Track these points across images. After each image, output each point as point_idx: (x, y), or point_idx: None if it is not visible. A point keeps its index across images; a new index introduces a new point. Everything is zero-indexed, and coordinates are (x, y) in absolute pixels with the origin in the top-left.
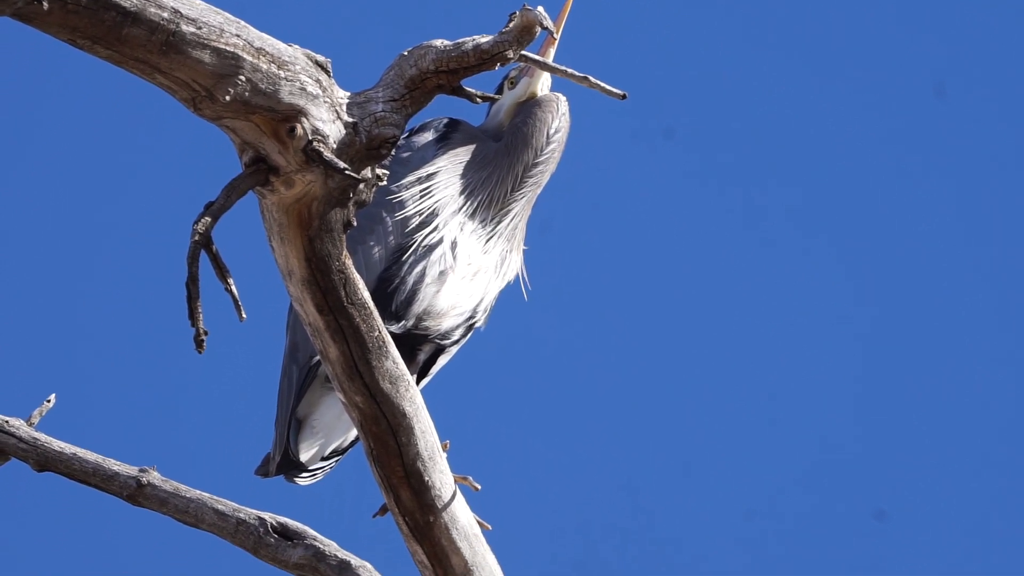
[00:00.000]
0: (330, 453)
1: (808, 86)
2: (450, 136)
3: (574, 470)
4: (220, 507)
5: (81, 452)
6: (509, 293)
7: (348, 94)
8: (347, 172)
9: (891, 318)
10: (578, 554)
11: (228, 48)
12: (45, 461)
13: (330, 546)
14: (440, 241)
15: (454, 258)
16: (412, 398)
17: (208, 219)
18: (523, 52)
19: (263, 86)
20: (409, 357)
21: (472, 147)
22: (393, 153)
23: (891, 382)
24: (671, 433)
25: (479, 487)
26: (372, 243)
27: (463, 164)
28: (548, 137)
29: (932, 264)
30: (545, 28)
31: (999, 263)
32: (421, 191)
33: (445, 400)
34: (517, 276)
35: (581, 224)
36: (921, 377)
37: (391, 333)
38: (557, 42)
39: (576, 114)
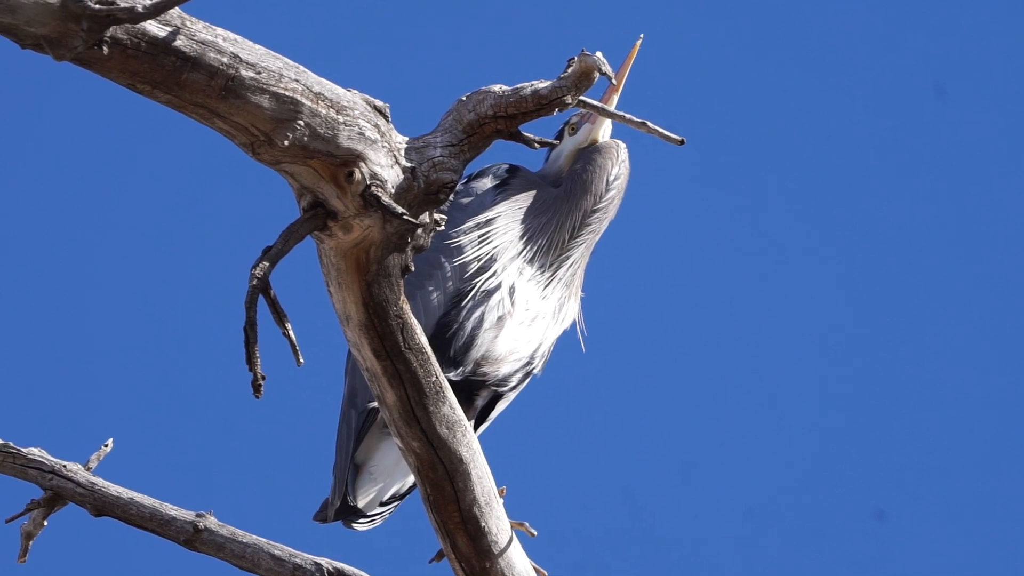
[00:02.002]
0: (388, 499)
1: (808, 86)
2: (509, 182)
3: (573, 471)
4: (277, 552)
5: (138, 497)
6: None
7: (406, 139)
8: (405, 217)
9: (891, 318)
10: (577, 556)
11: (287, 93)
12: (102, 506)
13: None
14: (499, 286)
15: (512, 304)
16: (469, 443)
17: (266, 264)
18: (582, 97)
19: (322, 131)
20: (467, 403)
21: (531, 193)
22: (452, 198)
23: (891, 382)
24: (671, 433)
25: (535, 533)
26: (431, 288)
27: (522, 210)
28: (608, 184)
29: (932, 264)
30: (603, 74)
31: (999, 263)
32: (480, 236)
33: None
34: (574, 323)
35: None
36: (921, 377)
37: (449, 380)
38: (620, 88)
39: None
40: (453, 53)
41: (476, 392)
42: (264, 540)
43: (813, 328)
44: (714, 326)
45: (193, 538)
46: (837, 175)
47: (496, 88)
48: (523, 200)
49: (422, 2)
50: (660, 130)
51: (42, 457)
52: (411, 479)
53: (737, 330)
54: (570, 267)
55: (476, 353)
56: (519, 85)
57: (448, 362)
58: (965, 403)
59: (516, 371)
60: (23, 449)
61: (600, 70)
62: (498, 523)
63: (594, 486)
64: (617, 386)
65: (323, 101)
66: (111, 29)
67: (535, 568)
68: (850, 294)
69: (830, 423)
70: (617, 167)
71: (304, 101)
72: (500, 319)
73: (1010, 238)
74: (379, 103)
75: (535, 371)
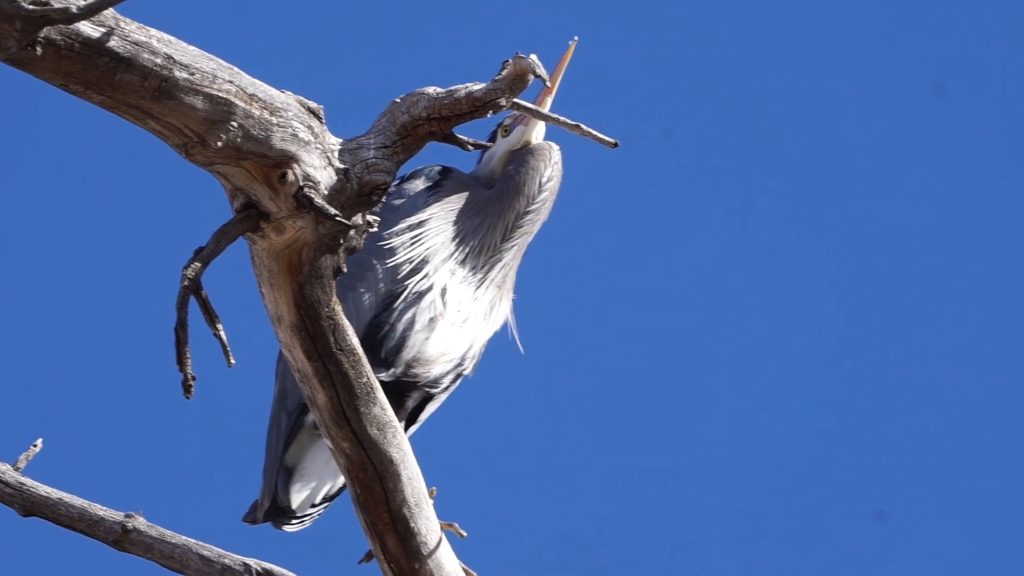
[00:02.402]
0: (318, 500)
1: (808, 86)
2: (442, 183)
3: (570, 472)
4: (206, 553)
5: (67, 497)
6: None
7: (340, 140)
8: (338, 218)
9: (890, 318)
10: (576, 556)
11: (221, 94)
12: (31, 506)
13: None
14: (430, 288)
15: (444, 305)
16: (399, 444)
17: (198, 265)
18: (516, 100)
19: (255, 132)
20: (398, 404)
21: (464, 194)
22: (384, 200)
23: (888, 382)
24: (668, 433)
25: (465, 534)
26: (362, 290)
27: (455, 211)
28: (540, 185)
29: (931, 264)
30: (538, 76)
31: (998, 263)
32: (412, 238)
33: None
34: (505, 324)
35: (578, 224)
36: (919, 377)
37: (380, 381)
38: (555, 91)
39: (574, 113)
40: (453, 53)
41: (407, 393)
42: (193, 541)
43: (806, 330)
44: (705, 328)
45: (122, 539)
46: (833, 176)
47: (430, 90)
48: (455, 202)
49: (422, 2)
50: (594, 132)
51: None
52: (341, 480)
53: (729, 332)
54: (502, 269)
55: (407, 354)
56: (453, 87)
57: (379, 363)
58: (964, 403)
59: (447, 372)
60: None
61: (534, 72)
62: (428, 524)
63: (588, 488)
64: (608, 388)
65: (257, 102)
66: (45, 30)
67: (464, 569)
68: (843, 295)
69: (828, 424)
70: (550, 169)
71: (238, 102)
72: (432, 320)
73: (1009, 238)
74: (313, 104)
75: (466, 372)
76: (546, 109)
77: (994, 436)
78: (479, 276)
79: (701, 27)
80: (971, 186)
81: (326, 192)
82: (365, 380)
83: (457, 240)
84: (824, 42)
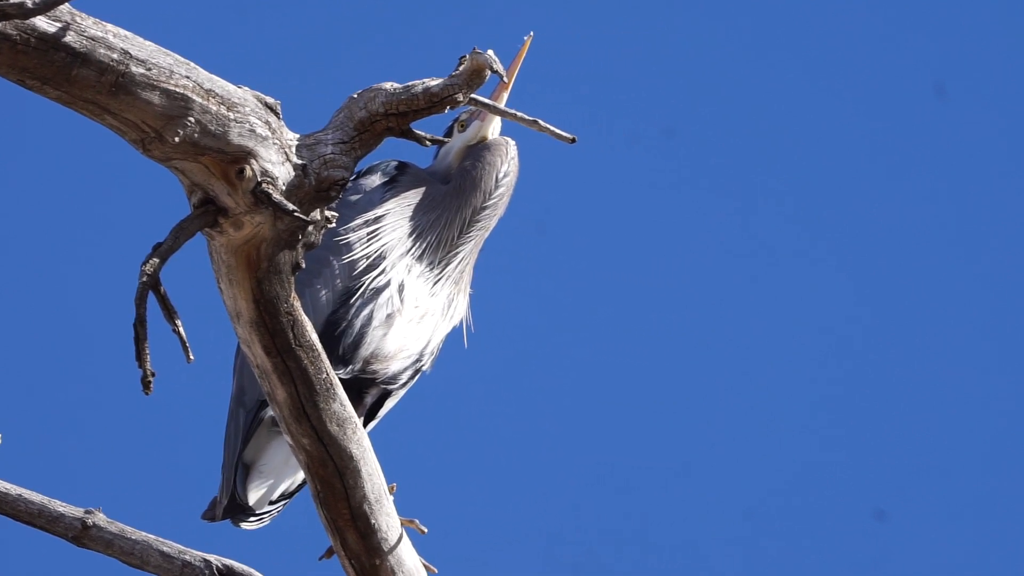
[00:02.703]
0: (277, 497)
1: (808, 86)
2: (398, 179)
3: (571, 472)
4: (166, 549)
5: (26, 493)
6: (510, 304)
7: (297, 136)
8: (296, 214)
9: (890, 318)
10: (576, 556)
11: (178, 90)
12: None
13: None
14: (388, 284)
15: (401, 301)
16: (359, 441)
17: (156, 260)
18: (473, 95)
19: (212, 128)
20: (356, 400)
21: (421, 190)
22: (341, 196)
23: (891, 382)
24: (669, 433)
25: (425, 530)
26: (319, 286)
27: (411, 207)
28: (497, 181)
29: (931, 264)
30: (495, 72)
31: (998, 263)
32: (369, 234)
33: (446, 400)
34: (462, 320)
35: (578, 224)
36: (921, 377)
37: (339, 378)
38: (511, 86)
39: (574, 113)
40: (453, 53)
41: (366, 390)
42: (153, 537)
43: (806, 330)
44: (705, 328)
45: (81, 535)
46: (833, 176)
47: (388, 85)
48: (412, 197)
49: (422, 2)
50: (551, 128)
51: None
52: (300, 477)
53: (729, 332)
54: (459, 264)
55: (365, 351)
56: (411, 83)
57: (337, 360)
58: (964, 403)
59: (405, 368)
60: None
61: (491, 68)
62: (388, 520)
63: (593, 486)
64: (616, 386)
65: (214, 98)
66: (0, 24)
67: (425, 565)
68: (849, 293)
69: (828, 424)
70: (506, 164)
71: (195, 98)
72: (389, 316)
73: (1009, 238)
74: (270, 100)
75: (424, 368)
76: (503, 104)
77: (994, 436)
78: (436, 272)
79: (701, 27)
80: (971, 186)
81: (284, 188)
82: (324, 376)
83: (414, 236)
84: (824, 42)
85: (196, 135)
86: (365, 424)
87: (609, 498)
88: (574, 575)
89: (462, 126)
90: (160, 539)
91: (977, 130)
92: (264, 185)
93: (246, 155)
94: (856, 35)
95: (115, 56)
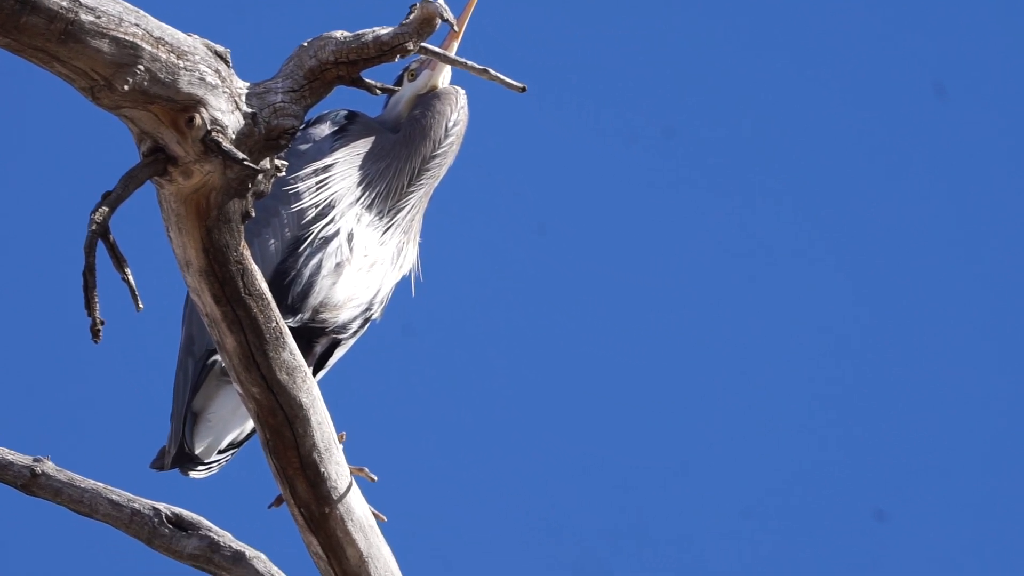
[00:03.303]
0: (226, 446)
1: (807, 86)
2: (348, 128)
3: (570, 470)
4: (115, 497)
5: None
6: (514, 302)
7: (247, 84)
8: (246, 163)
9: (890, 318)
10: (576, 555)
11: (127, 37)
12: None
13: (224, 537)
14: (337, 233)
15: (351, 250)
16: (309, 389)
17: (105, 209)
18: (423, 44)
19: (162, 76)
20: (306, 349)
21: (370, 139)
22: (291, 145)
23: (891, 382)
24: (668, 432)
25: (375, 478)
26: (268, 235)
27: (361, 156)
28: (447, 130)
29: (931, 264)
30: (445, 20)
31: (998, 263)
32: (317, 183)
33: (447, 400)
34: (411, 269)
35: (577, 225)
36: (921, 377)
37: (289, 327)
38: (461, 35)
39: (573, 113)
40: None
41: (315, 339)
42: (102, 485)
43: (805, 330)
44: (705, 328)
45: (30, 483)
46: (833, 176)
47: (338, 34)
48: (362, 146)
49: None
50: (501, 76)
51: None
52: (249, 426)
53: (728, 332)
54: (408, 213)
55: (314, 300)
56: (361, 31)
57: (286, 309)
58: (963, 403)
59: (355, 317)
60: None
61: (442, 16)
62: (338, 469)
63: (593, 484)
64: (616, 385)
65: (163, 46)
66: None
67: (374, 513)
68: (849, 293)
69: (828, 424)
70: (456, 113)
71: (144, 46)
72: (338, 265)
73: (1009, 238)
74: (220, 48)
75: (374, 317)
76: (453, 53)
77: (994, 436)
78: (386, 221)
79: (701, 27)
80: (970, 186)
81: (234, 136)
82: (274, 325)
83: (363, 185)
84: (824, 42)
85: (145, 83)
86: (315, 373)
87: (608, 496)
88: (574, 574)
89: (412, 75)
90: (109, 487)
91: (977, 130)
92: (214, 133)
93: (196, 103)
94: (856, 35)
95: (64, 4)
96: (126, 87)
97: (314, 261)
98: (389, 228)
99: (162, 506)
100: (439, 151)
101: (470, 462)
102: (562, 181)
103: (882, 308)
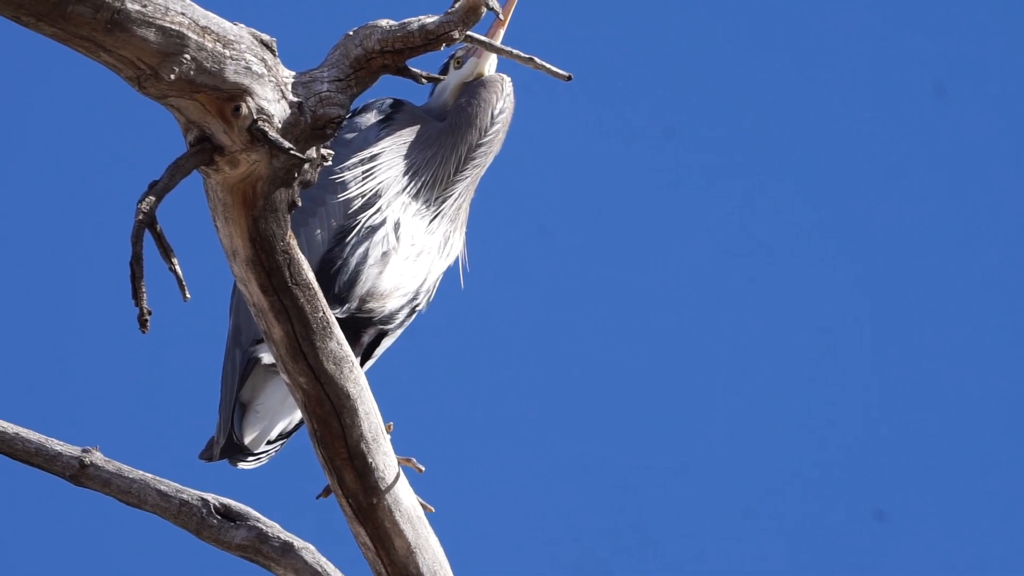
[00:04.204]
0: (275, 437)
1: (808, 86)
2: (394, 116)
3: (572, 471)
4: (163, 488)
5: (24, 432)
6: (507, 301)
7: (293, 73)
8: (292, 152)
9: (889, 317)
10: (576, 556)
11: (173, 26)
12: None
13: (273, 527)
14: (383, 222)
15: (397, 239)
16: (356, 379)
17: (152, 199)
18: (469, 33)
19: (208, 65)
20: (353, 340)
21: (416, 127)
22: (337, 134)
23: (890, 382)
24: (669, 433)
25: (423, 469)
26: (315, 225)
27: (407, 144)
28: (493, 118)
29: (931, 264)
30: (491, 9)
31: (999, 263)
32: (364, 172)
33: (447, 400)
34: (457, 259)
35: (578, 225)
36: (921, 377)
37: (336, 317)
38: (507, 23)
39: (573, 113)
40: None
41: (363, 329)
42: (150, 476)
43: (805, 329)
44: (705, 328)
45: (79, 473)
46: (833, 176)
47: (383, 23)
48: (408, 135)
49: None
50: (547, 65)
51: None
52: (297, 416)
53: (728, 332)
54: (455, 201)
55: (361, 289)
56: (406, 20)
57: (333, 299)
58: (963, 403)
59: (402, 307)
60: None
61: (487, 5)
62: (385, 459)
63: (594, 485)
64: (617, 385)
65: (209, 35)
66: None
67: (422, 504)
68: (849, 293)
69: (828, 424)
70: (502, 101)
71: (190, 34)
72: (385, 255)
73: (1009, 238)
74: (266, 37)
75: (420, 307)
76: (498, 42)
77: (994, 436)
78: (432, 210)
79: (701, 27)
80: (970, 186)
81: (280, 125)
82: (321, 315)
83: (410, 174)
84: (824, 42)
85: (192, 72)
86: (362, 363)
87: (609, 497)
88: (574, 574)
89: (458, 63)
90: (157, 478)
91: (977, 130)
92: (260, 123)
93: (242, 92)
94: (856, 35)
95: None
96: (172, 76)
97: (360, 250)
98: (436, 217)
99: (210, 497)
100: (485, 139)
101: (470, 462)
102: (563, 181)
103: (882, 308)
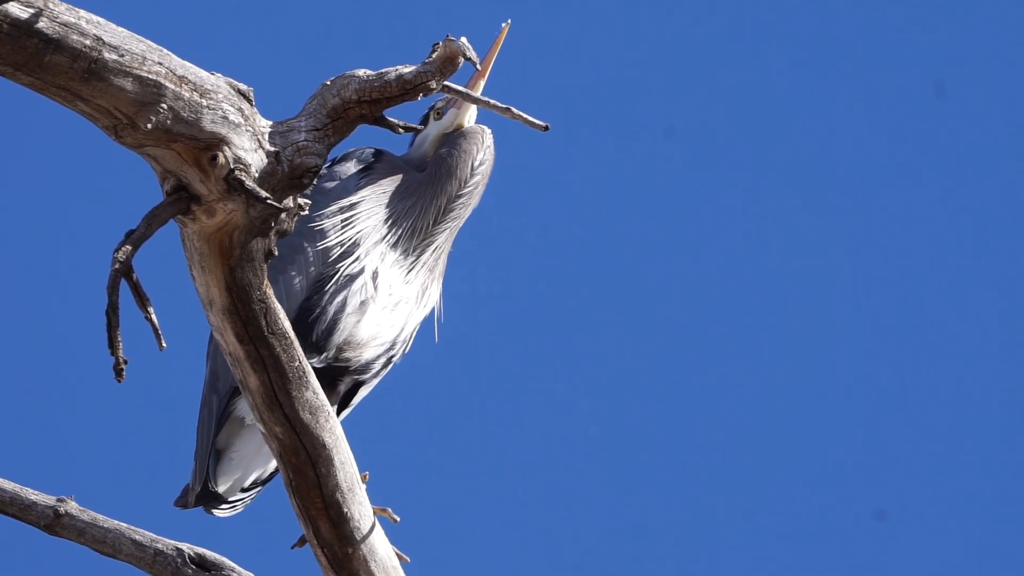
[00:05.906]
0: (249, 484)
1: (808, 86)
2: (373, 166)
3: (571, 472)
4: (138, 537)
5: None
6: (522, 297)
7: (270, 123)
8: (269, 201)
9: (890, 318)
10: (577, 556)
11: (150, 76)
12: None
13: None
14: (362, 271)
15: (375, 288)
16: (332, 429)
17: (128, 247)
18: (447, 83)
19: (185, 114)
20: (329, 389)
21: (396, 177)
22: (315, 183)
23: (891, 382)
24: (670, 433)
25: (398, 519)
26: (293, 273)
27: (387, 194)
28: (472, 169)
29: (931, 264)
30: (468, 59)
31: (999, 263)
32: (343, 220)
33: (446, 401)
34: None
35: (578, 225)
36: (921, 378)
37: (312, 366)
38: (487, 74)
39: (573, 114)
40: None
41: (339, 378)
42: (125, 525)
43: (805, 329)
44: (706, 328)
45: (54, 523)
46: (833, 175)
47: (361, 72)
48: (388, 184)
49: (423, 3)
50: (524, 116)
51: None
52: (273, 465)
53: (729, 332)
54: (434, 252)
55: (338, 338)
56: (384, 70)
57: (311, 347)
58: (965, 403)
59: (378, 356)
60: None
61: (465, 55)
62: (361, 509)
63: (595, 486)
64: (618, 386)
65: (187, 84)
66: None
67: (398, 554)
68: (850, 293)
69: (828, 424)
70: (482, 152)
71: (167, 84)
72: (363, 304)
73: (1009, 238)
74: (243, 87)
75: (396, 358)
76: (478, 92)
77: (994, 436)
78: (411, 259)
79: (701, 27)
80: (970, 185)
81: (257, 175)
82: (297, 364)
83: (389, 223)
84: (824, 42)
85: (169, 122)
86: (338, 413)
87: (609, 498)
88: (574, 574)
89: (438, 114)
90: (132, 527)
91: (977, 129)
92: (237, 172)
93: (219, 142)
94: (856, 34)
95: (88, 42)
96: (149, 126)
97: (339, 299)
98: (414, 267)
99: (185, 546)
100: (465, 190)
101: (470, 463)
102: (563, 182)
103: (882, 308)
